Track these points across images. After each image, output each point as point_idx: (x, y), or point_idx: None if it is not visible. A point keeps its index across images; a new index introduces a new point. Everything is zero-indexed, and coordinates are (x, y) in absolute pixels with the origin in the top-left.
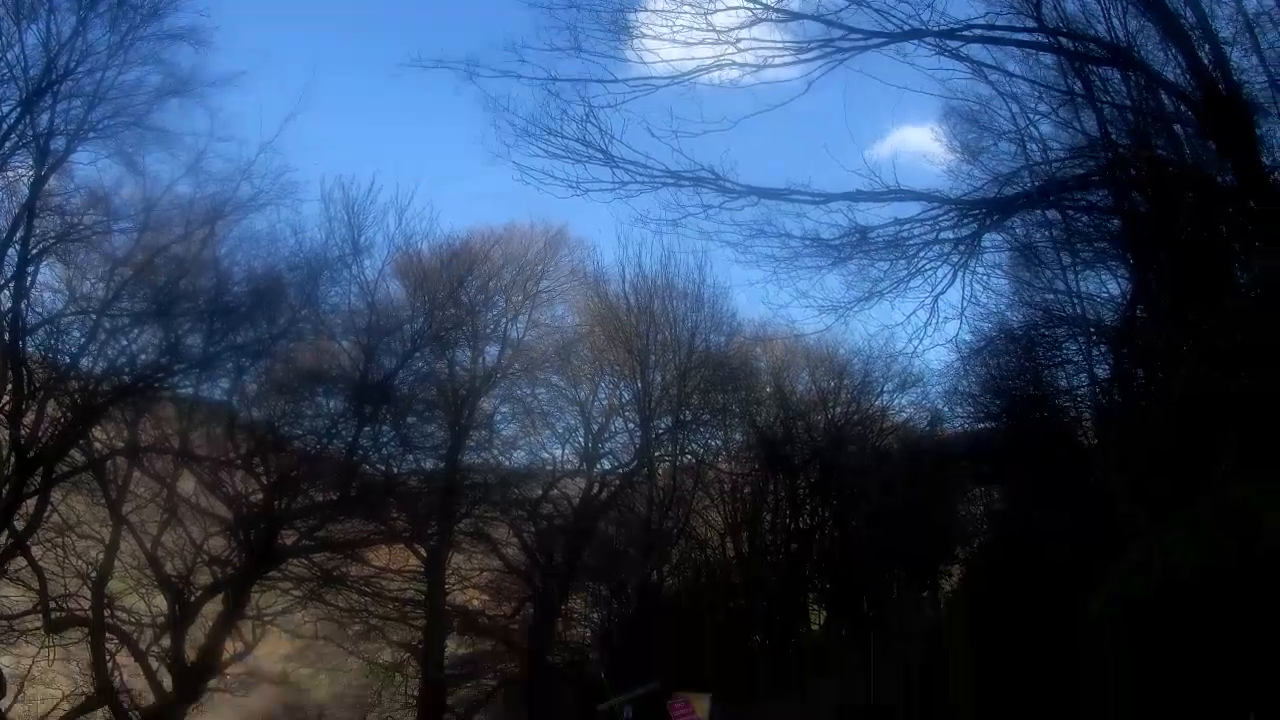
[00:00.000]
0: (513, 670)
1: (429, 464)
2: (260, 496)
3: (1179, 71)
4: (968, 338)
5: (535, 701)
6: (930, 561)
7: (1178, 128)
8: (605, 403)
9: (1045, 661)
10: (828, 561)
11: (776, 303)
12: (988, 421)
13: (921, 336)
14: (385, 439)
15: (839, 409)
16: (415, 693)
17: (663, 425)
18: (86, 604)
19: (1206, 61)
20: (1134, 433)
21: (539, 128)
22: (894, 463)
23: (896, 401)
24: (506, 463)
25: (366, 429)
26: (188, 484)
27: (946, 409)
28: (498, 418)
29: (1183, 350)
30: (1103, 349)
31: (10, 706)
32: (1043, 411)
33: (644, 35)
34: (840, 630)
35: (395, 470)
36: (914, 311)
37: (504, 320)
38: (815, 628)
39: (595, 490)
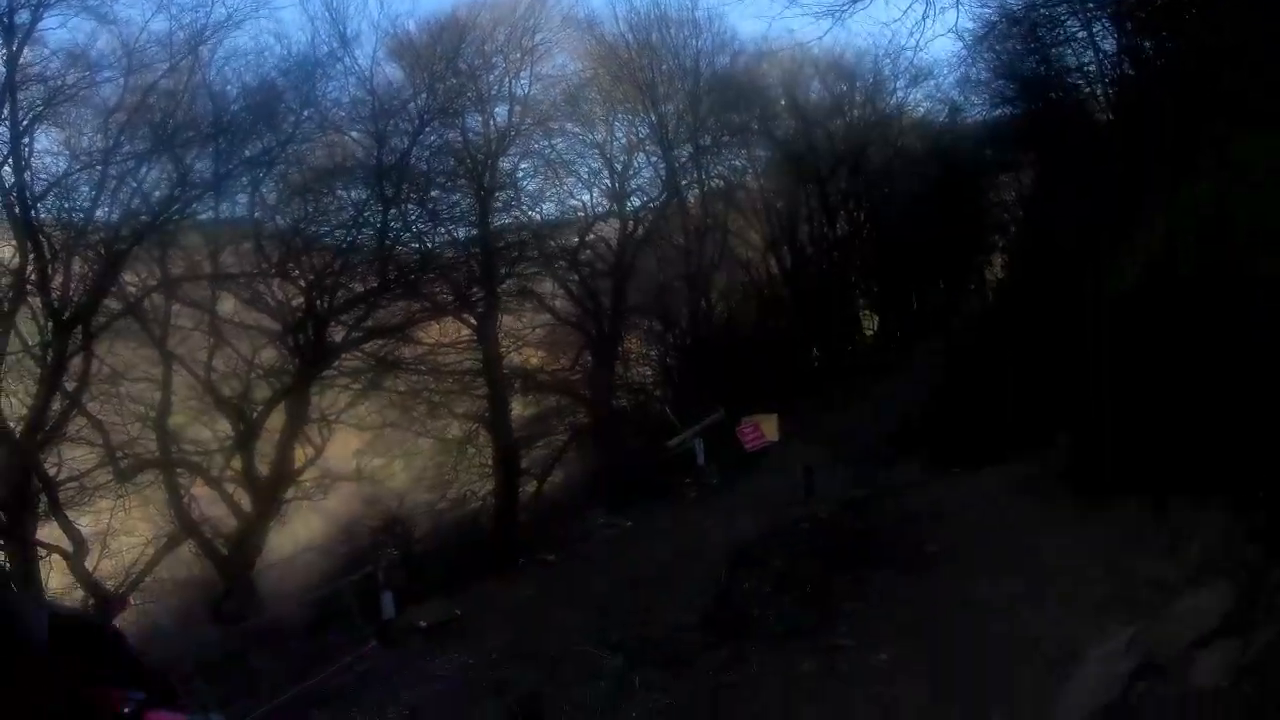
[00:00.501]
0: (581, 421)
1: (461, 233)
2: (301, 300)
3: None
4: (969, 25)
5: (606, 447)
6: (970, 253)
7: None
8: (624, 141)
9: (1063, 347)
10: (871, 266)
11: (771, 13)
12: (1004, 107)
13: (921, 30)
14: (413, 217)
15: (855, 112)
16: (489, 460)
17: (684, 154)
18: (153, 446)
19: None
20: (1142, 104)
21: None
22: (919, 159)
23: (912, 97)
24: (538, 217)
25: (393, 211)
26: (228, 305)
27: (961, 98)
28: (520, 174)
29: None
30: (1105, 23)
31: (97, 564)
32: (1056, 91)
33: None
34: (896, 332)
35: (429, 245)
36: (910, 4)
37: (507, 80)
38: (869, 333)
39: (630, 229)
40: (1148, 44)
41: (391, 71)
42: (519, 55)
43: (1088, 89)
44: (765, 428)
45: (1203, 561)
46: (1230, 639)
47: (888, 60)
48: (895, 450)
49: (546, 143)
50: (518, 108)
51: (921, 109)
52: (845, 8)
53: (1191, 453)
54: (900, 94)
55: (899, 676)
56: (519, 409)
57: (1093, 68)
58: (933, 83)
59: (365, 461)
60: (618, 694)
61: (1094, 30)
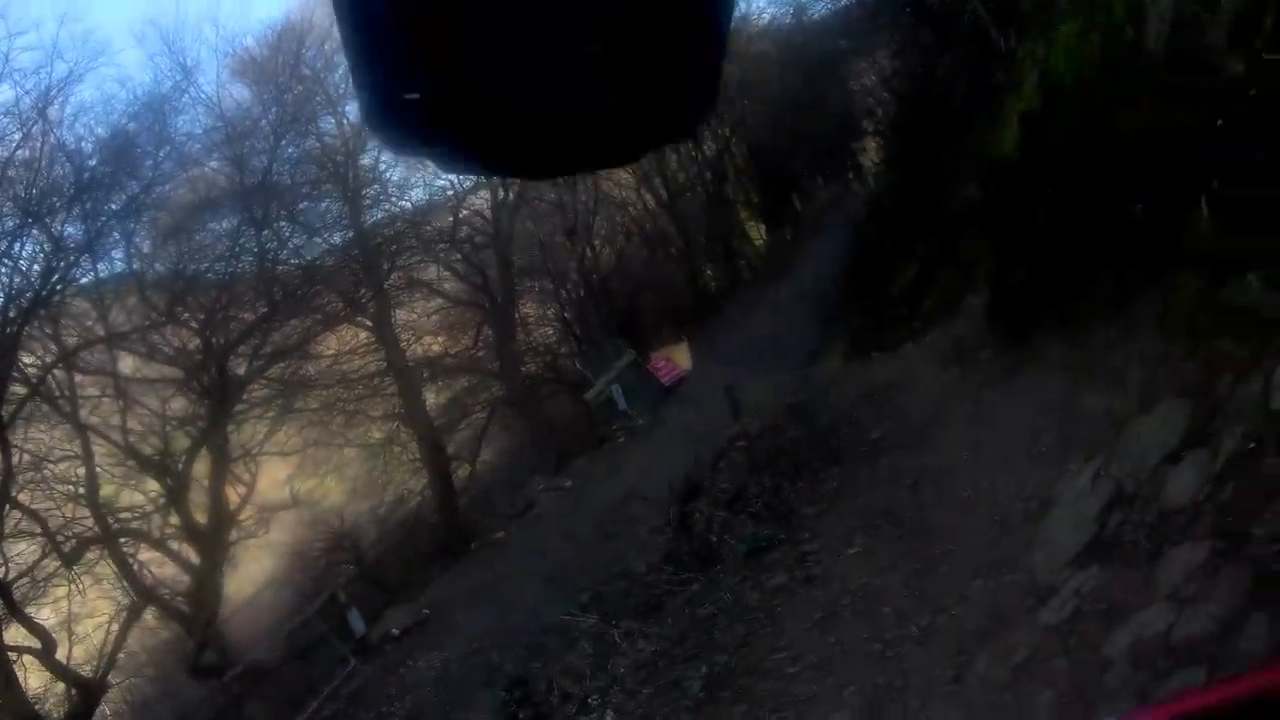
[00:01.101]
0: (496, 395)
1: (337, 238)
2: (197, 341)
3: None
4: None
5: (527, 415)
6: (843, 145)
7: None
8: None
9: (952, 215)
10: (747, 178)
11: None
12: None
13: None
14: (287, 234)
15: None
16: (417, 455)
17: None
18: (90, 523)
19: None
20: None
21: None
22: (776, 62)
23: (754, 4)
24: (409, 205)
25: (267, 232)
26: (128, 364)
27: None
28: (383, 167)
29: None
30: None
31: (69, 654)
32: None
33: None
34: (785, 236)
35: (309, 258)
36: None
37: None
38: (757, 242)
39: (501, 195)
40: None
41: (239, 92)
42: None
43: None
44: (677, 358)
45: (1146, 384)
46: (1197, 451)
47: None
48: (811, 349)
49: None
50: None
51: (768, 14)
52: None
53: (1103, 282)
54: (744, 2)
55: (874, 564)
56: (433, 398)
57: None
58: None
59: (297, 486)
60: (602, 653)
61: None
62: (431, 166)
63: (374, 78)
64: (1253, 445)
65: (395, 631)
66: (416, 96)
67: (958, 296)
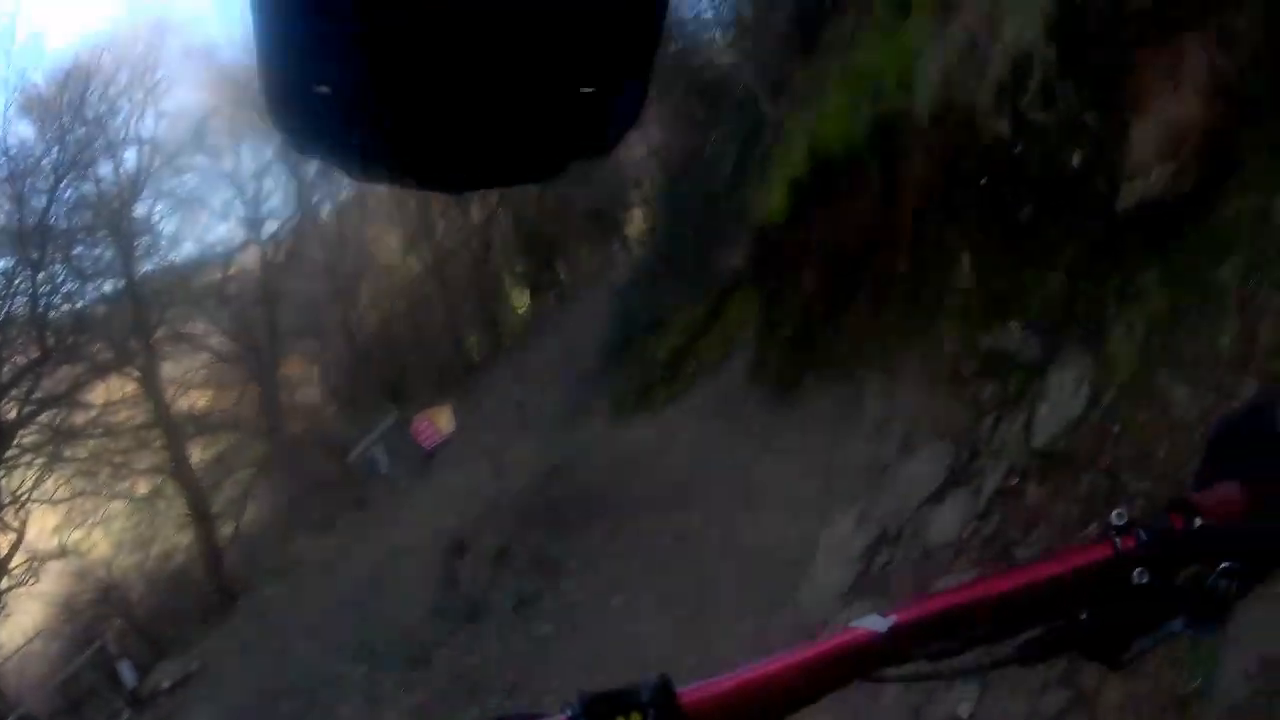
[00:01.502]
0: (261, 453)
1: (108, 286)
2: None
3: None
4: None
5: (291, 473)
6: (610, 214)
7: None
8: (252, 167)
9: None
10: (513, 245)
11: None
12: None
13: None
14: (60, 278)
15: None
16: (183, 511)
17: (312, 169)
18: None
19: None
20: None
21: None
22: None
23: None
24: (180, 258)
25: (41, 275)
26: None
27: None
28: (156, 217)
29: None
30: None
31: None
32: (676, 40)
33: None
34: (549, 301)
35: (80, 304)
36: None
37: (133, 121)
38: (520, 310)
39: (271, 254)
40: None
41: (24, 129)
42: (142, 95)
43: (709, 33)
44: (439, 421)
45: (910, 432)
46: (960, 489)
47: None
48: (574, 413)
49: (179, 181)
50: (146, 148)
51: None
52: None
53: (868, 337)
54: None
55: (642, 612)
56: (199, 453)
57: (709, 14)
58: None
59: (66, 536)
60: (374, 702)
61: None
62: (335, 172)
63: (280, 66)
64: (1015, 481)
65: (166, 684)
66: (326, 90)
67: (721, 357)
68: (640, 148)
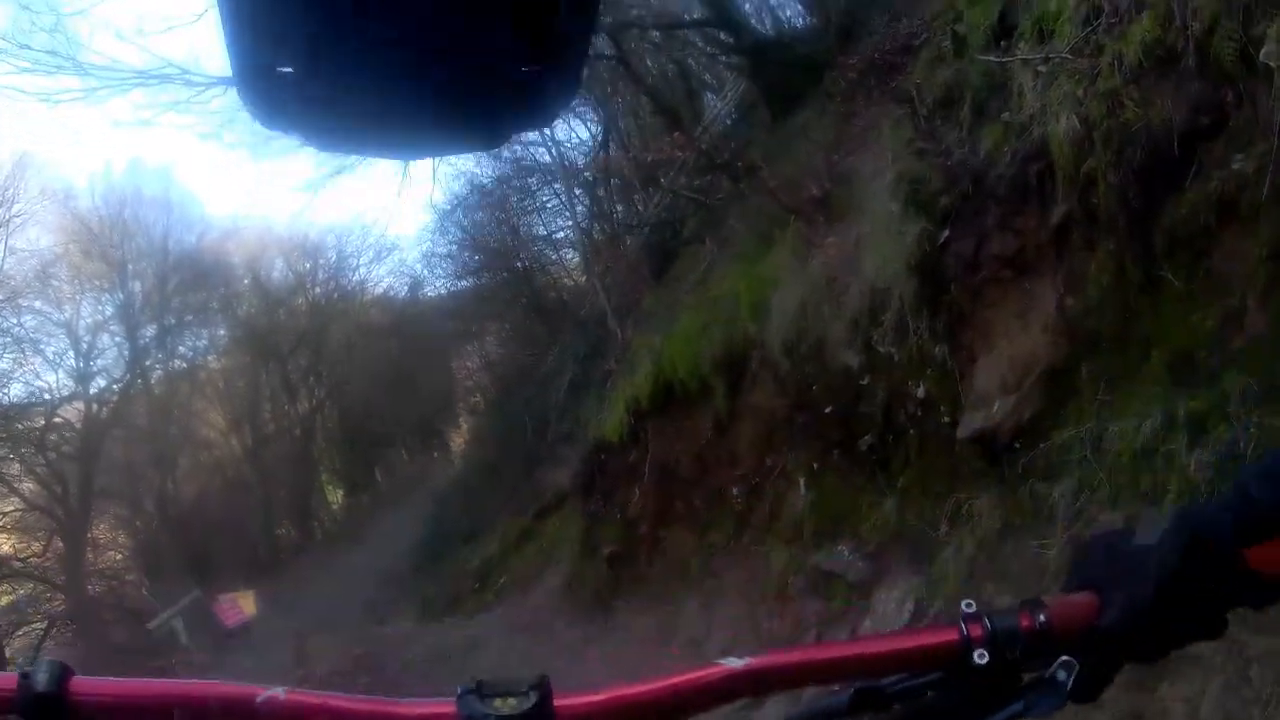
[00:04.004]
0: (58, 609)
1: None
2: None
3: None
4: (441, 199)
5: (85, 634)
6: (434, 422)
7: None
8: (90, 320)
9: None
10: (334, 440)
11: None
12: (468, 278)
13: (396, 203)
14: None
15: (317, 290)
16: None
17: (149, 333)
18: None
19: None
20: (616, 259)
21: (12, 43)
22: (383, 333)
23: (375, 273)
24: (5, 398)
25: None
26: None
27: (426, 272)
28: None
29: (657, 180)
30: (578, 191)
31: None
32: (522, 260)
33: None
34: (363, 501)
35: None
36: (385, 180)
37: None
38: (335, 506)
39: (96, 410)
40: (619, 207)
41: None
42: None
43: (556, 254)
44: (243, 603)
45: (728, 648)
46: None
47: (354, 236)
48: (382, 611)
49: (16, 320)
50: None
51: (384, 284)
52: (322, 182)
53: (692, 556)
54: (364, 270)
55: None
56: None
57: (560, 234)
58: (398, 257)
59: None
60: None
61: (575, 196)
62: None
63: (247, 43)
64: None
65: None
66: (289, 71)
67: (536, 574)
68: (475, 360)
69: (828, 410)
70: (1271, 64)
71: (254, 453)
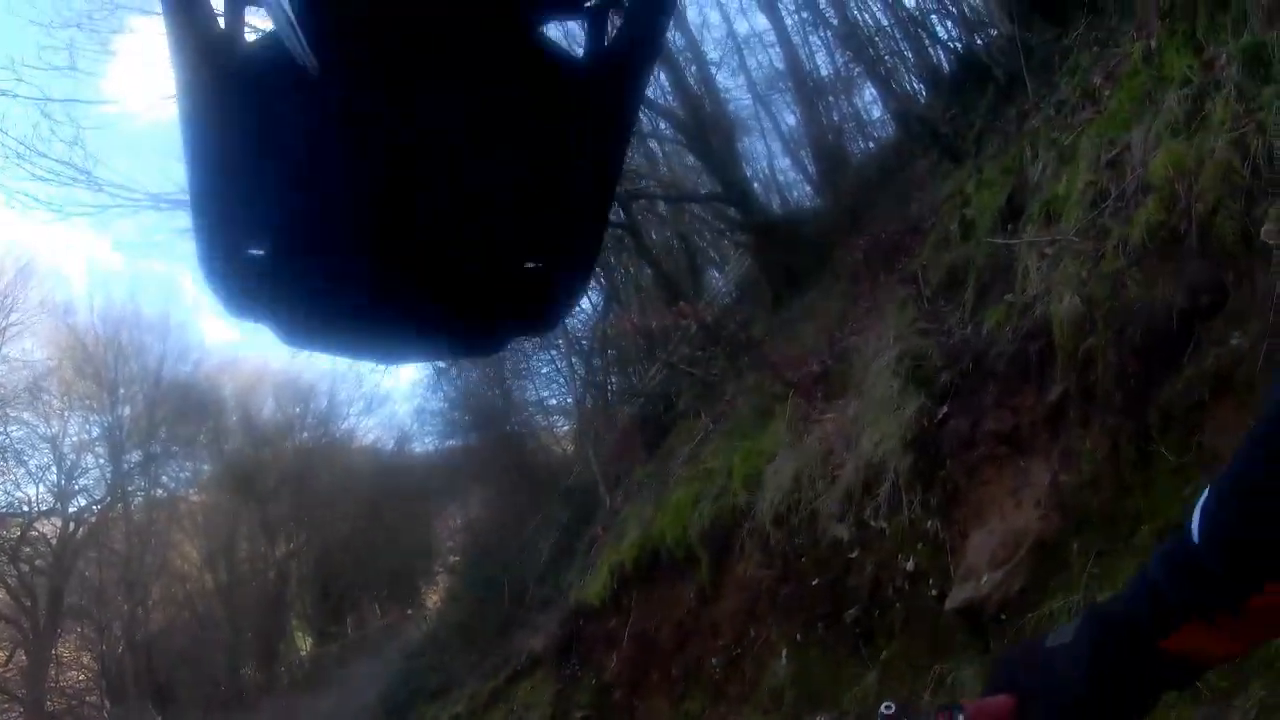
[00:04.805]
0: None
1: None
2: None
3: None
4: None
5: None
6: (411, 578)
7: (652, 143)
8: (76, 438)
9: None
10: (309, 587)
11: (248, 326)
12: (456, 437)
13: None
14: None
15: (306, 434)
16: None
17: (134, 459)
18: None
19: (693, 81)
20: (609, 429)
21: (30, 149)
22: (365, 484)
23: (364, 423)
24: None
25: None
26: None
27: (416, 426)
28: None
29: (654, 353)
30: (574, 360)
31: None
32: (512, 424)
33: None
34: (330, 650)
35: None
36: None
37: None
38: (303, 652)
39: (73, 529)
40: (614, 379)
41: None
42: None
43: (546, 420)
44: None
45: None
46: None
47: (347, 384)
48: None
49: (2, 430)
50: None
51: (372, 435)
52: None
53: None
54: (353, 419)
55: None
56: None
57: (553, 401)
58: (388, 409)
59: None
60: None
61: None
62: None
63: (216, 225)
64: None
65: None
66: (261, 253)
67: None
68: (457, 519)
69: (814, 582)
70: (1271, 243)
71: (227, 590)
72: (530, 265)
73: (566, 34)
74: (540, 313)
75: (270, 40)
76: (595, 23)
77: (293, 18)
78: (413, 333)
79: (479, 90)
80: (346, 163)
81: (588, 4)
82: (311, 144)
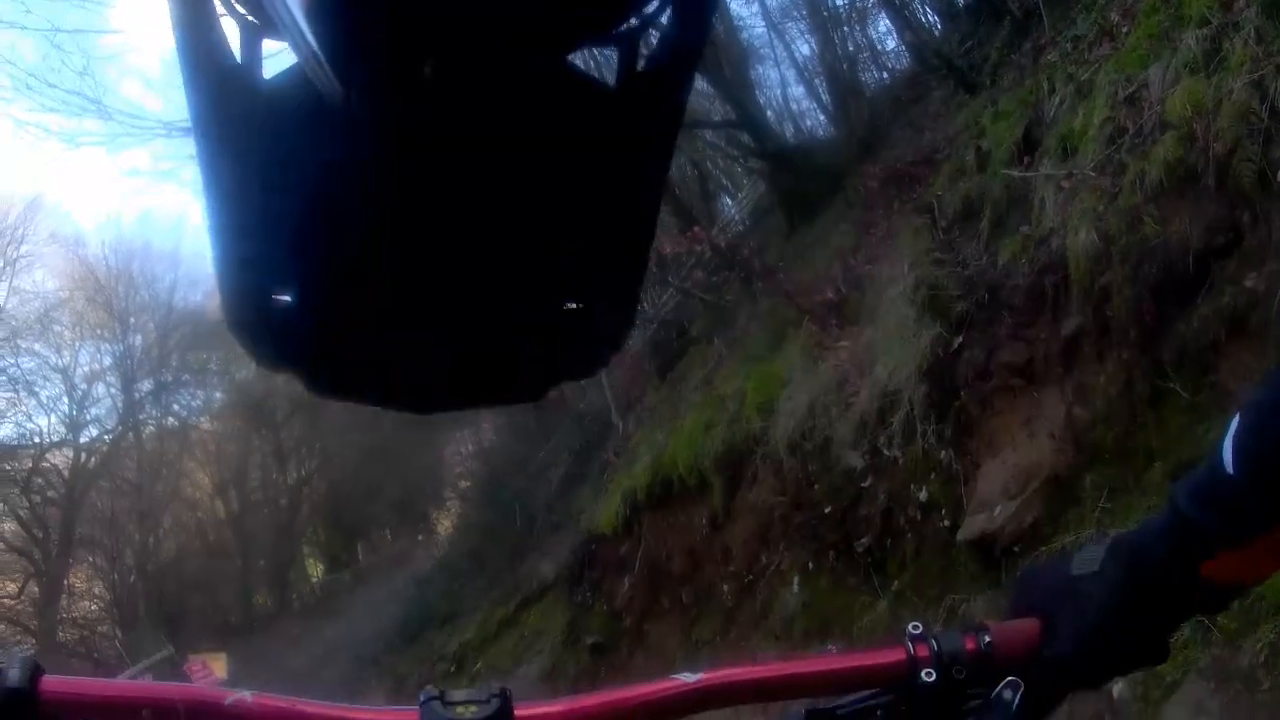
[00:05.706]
0: (27, 652)
1: None
2: None
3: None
4: None
5: None
6: (423, 506)
7: None
8: (88, 368)
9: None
10: (320, 514)
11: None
12: None
13: None
14: None
15: None
16: None
17: (145, 388)
18: None
19: None
20: (621, 355)
21: (40, 80)
22: (376, 411)
23: None
24: None
25: None
26: None
27: None
28: None
29: (666, 278)
30: None
31: None
32: None
33: None
34: (341, 577)
35: None
36: None
37: None
38: (314, 579)
39: (84, 459)
40: None
41: None
42: (2, 264)
43: None
44: (214, 666)
45: None
46: None
47: None
48: (353, 687)
49: (14, 360)
50: None
51: None
52: None
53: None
54: None
55: None
56: None
57: None
58: None
59: None
60: None
61: None
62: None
63: (239, 270)
64: None
65: None
66: (289, 299)
67: (513, 662)
68: (468, 446)
69: (827, 510)
70: None
71: (238, 518)
72: (570, 306)
73: (599, 60)
74: (584, 354)
75: (292, 73)
76: (626, 48)
77: (316, 49)
78: (448, 381)
79: (514, 123)
80: (375, 204)
81: (621, 28)
82: (338, 183)
